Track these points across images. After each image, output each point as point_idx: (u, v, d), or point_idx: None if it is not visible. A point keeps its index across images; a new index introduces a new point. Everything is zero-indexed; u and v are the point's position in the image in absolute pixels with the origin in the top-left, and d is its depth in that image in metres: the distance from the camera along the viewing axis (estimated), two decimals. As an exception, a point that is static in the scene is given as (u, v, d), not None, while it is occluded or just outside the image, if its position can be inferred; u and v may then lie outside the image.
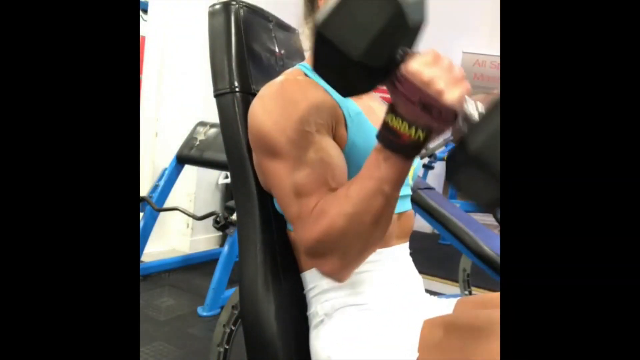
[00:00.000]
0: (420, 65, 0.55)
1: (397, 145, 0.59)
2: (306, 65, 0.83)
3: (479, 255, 1.71)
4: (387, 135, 0.59)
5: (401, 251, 0.84)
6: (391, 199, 0.63)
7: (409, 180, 0.86)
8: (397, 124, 0.58)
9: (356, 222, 0.62)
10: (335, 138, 0.73)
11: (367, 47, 0.53)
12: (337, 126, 0.74)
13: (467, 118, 0.55)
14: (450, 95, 0.54)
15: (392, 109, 0.58)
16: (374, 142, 0.69)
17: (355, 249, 0.65)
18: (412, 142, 0.58)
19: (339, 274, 0.67)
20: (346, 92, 0.62)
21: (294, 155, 0.69)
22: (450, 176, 0.58)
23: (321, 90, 0.75)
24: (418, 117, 0.56)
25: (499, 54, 0.55)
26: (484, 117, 0.54)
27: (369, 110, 0.83)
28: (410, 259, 0.87)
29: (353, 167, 0.73)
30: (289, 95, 0.72)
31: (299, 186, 0.68)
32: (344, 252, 0.64)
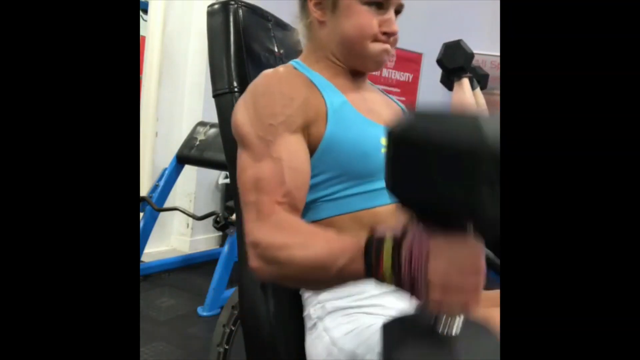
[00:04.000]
0: (441, 268, 0.48)
1: (370, 265, 0.54)
2: (298, 61, 0.84)
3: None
4: (370, 249, 0.54)
5: None
6: (336, 283, 0.62)
7: None
8: (386, 256, 0.52)
9: (297, 275, 0.62)
10: (311, 130, 0.74)
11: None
12: (315, 118, 0.74)
13: (440, 324, 0.49)
14: (445, 307, 0.49)
15: (396, 242, 0.52)
16: (355, 132, 0.72)
17: (289, 282, 0.68)
18: (380, 276, 0.53)
19: (260, 276, 0.67)
20: None
21: (257, 148, 0.70)
22: None
23: (304, 82, 0.76)
24: (402, 279, 0.51)
25: (499, 54, 0.55)
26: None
27: (361, 99, 0.83)
28: None
29: (331, 159, 0.74)
30: (264, 89, 0.74)
31: (258, 180, 0.69)
32: (277, 274, 0.65)
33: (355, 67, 0.84)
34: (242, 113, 0.74)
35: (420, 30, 3.25)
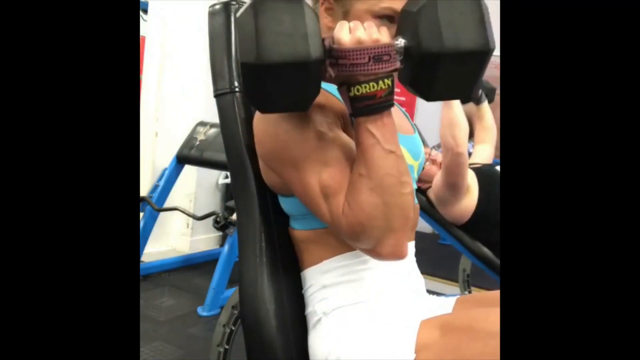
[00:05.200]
0: (346, 33, 0.62)
1: (377, 104, 0.63)
2: None
3: (478, 256, 1.71)
4: (362, 105, 0.63)
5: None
6: (397, 153, 0.66)
7: (414, 175, 0.86)
8: (365, 89, 0.62)
9: (383, 189, 0.64)
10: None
11: (310, 45, 0.59)
12: (345, 125, 0.74)
13: (402, 46, 0.64)
14: (384, 36, 0.63)
15: (349, 85, 0.63)
16: None
17: (397, 217, 0.65)
18: (386, 92, 0.63)
19: (397, 251, 0.67)
20: (305, 103, 0.65)
21: (315, 160, 0.69)
22: (428, 92, 0.66)
23: (324, 92, 0.75)
24: (376, 70, 0.62)
25: (499, 54, 0.55)
26: (418, 23, 0.62)
27: None
28: (414, 258, 0.87)
29: None
30: None
31: (326, 188, 0.68)
32: (390, 226, 0.65)
33: None
34: (277, 134, 0.72)
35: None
